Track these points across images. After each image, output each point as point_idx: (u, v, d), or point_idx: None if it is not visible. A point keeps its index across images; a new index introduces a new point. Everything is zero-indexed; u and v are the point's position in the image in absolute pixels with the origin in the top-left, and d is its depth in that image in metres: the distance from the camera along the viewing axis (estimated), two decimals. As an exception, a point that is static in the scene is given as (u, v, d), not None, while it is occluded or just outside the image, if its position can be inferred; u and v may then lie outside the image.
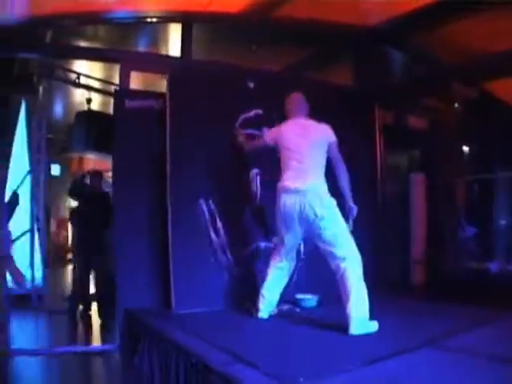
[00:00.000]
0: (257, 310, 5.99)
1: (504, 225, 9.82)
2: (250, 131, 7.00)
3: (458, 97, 9.40)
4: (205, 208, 6.65)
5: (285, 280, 6.08)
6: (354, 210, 5.77)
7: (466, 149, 10.81)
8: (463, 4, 6.96)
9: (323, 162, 5.77)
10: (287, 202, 5.61)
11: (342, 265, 5.35)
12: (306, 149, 5.71)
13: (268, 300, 5.99)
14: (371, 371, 3.97)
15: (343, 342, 4.82)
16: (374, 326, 5.17)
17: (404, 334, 5.15)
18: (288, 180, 5.68)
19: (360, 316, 5.15)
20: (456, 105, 9.61)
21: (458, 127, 9.63)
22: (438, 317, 5.93)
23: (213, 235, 6.68)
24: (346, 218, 5.68)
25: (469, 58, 7.82)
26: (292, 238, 5.81)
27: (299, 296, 6.69)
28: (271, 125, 6.69)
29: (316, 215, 5.46)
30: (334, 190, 5.69)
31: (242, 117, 7.01)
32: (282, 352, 4.54)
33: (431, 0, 7.03)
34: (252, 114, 7.05)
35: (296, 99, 6.12)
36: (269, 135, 6.19)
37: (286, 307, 6.45)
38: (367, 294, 5.32)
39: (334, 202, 5.58)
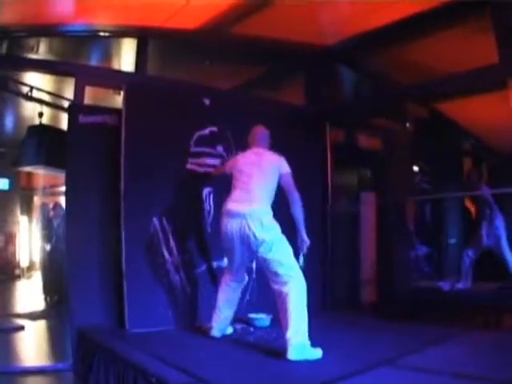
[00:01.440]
0: (210, 328, 6.00)
1: (454, 244, 9.93)
2: (203, 149, 7.02)
3: (410, 117, 9.50)
4: (158, 226, 6.61)
5: (236, 299, 6.09)
6: (306, 244, 5.74)
7: (416, 168, 10.93)
8: (418, 26, 7.06)
9: (271, 190, 5.78)
10: (228, 224, 5.63)
11: (284, 289, 5.26)
12: (255, 175, 5.77)
13: (221, 319, 6.00)
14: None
15: (299, 363, 4.79)
16: (317, 354, 5.04)
17: (359, 353, 5.15)
18: (231, 203, 5.73)
19: (299, 342, 5.04)
20: (408, 124, 9.70)
21: (410, 147, 9.72)
22: (391, 336, 5.98)
23: (166, 254, 6.64)
24: (297, 253, 5.64)
25: (422, 78, 7.91)
26: (237, 259, 5.80)
27: (252, 315, 6.68)
28: (226, 143, 6.72)
29: (256, 238, 5.44)
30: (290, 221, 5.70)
31: (197, 134, 6.99)
32: (239, 372, 4.51)
33: (386, 21, 7.11)
34: (207, 131, 7.04)
35: (258, 133, 6.22)
36: (228, 164, 6.33)
37: (239, 326, 6.46)
38: (308, 317, 5.22)
39: (276, 226, 5.56)
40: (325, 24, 7.47)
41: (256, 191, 5.68)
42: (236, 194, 5.78)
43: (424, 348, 5.30)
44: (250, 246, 5.55)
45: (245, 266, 6.01)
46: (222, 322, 6.01)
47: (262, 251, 5.45)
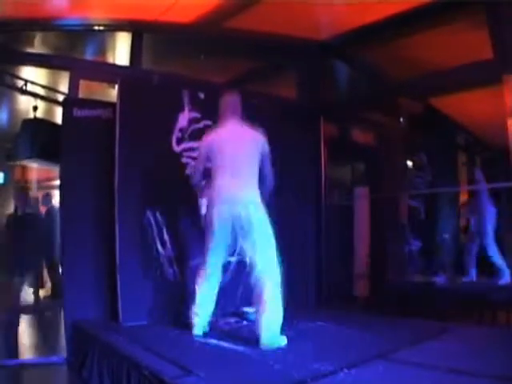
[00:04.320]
0: (192, 326, 5.81)
1: (447, 239, 9.94)
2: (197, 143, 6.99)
3: (404, 112, 9.52)
4: (152, 220, 6.62)
5: (216, 292, 5.90)
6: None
7: (410, 163, 10.95)
8: (413, 21, 7.07)
9: (257, 171, 5.71)
10: (223, 212, 5.52)
11: (263, 276, 5.36)
12: (241, 157, 5.67)
13: (202, 316, 5.83)
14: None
15: (292, 356, 4.79)
16: (283, 341, 5.25)
17: (352, 348, 5.16)
18: (223, 189, 5.58)
19: (273, 329, 5.23)
20: (401, 119, 9.72)
21: (403, 142, 9.75)
22: (384, 331, 5.99)
23: (160, 248, 6.65)
24: None
25: (416, 73, 7.92)
26: (222, 249, 5.71)
27: (246, 309, 6.67)
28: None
29: (252, 226, 5.46)
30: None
31: (191, 128, 7.00)
32: (232, 366, 4.53)
33: (380, 16, 7.13)
34: (201, 125, 7.04)
35: (230, 101, 5.99)
36: (203, 146, 6.00)
37: (233, 320, 6.47)
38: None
39: (266, 214, 5.59)
40: (319, 19, 7.48)
41: (247, 176, 5.64)
42: (227, 179, 5.60)
43: (417, 343, 5.32)
44: (241, 234, 5.53)
45: (225, 257, 5.86)
46: (203, 321, 5.85)
47: (253, 239, 5.46)
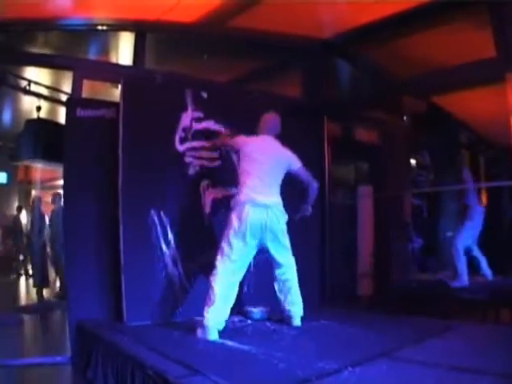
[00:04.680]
0: (206, 328, 5.57)
1: (451, 237, 9.89)
2: (200, 142, 7.03)
3: (407, 110, 9.51)
4: (156, 219, 6.61)
5: (235, 294, 5.88)
6: (309, 212, 6.43)
7: (413, 161, 10.93)
8: (416, 19, 7.07)
9: (280, 182, 6.15)
10: (254, 214, 5.77)
11: (287, 272, 6.17)
12: (270, 166, 6.04)
13: (219, 318, 5.65)
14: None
15: (295, 355, 4.78)
16: None
17: (356, 346, 5.15)
18: (254, 192, 5.85)
19: (301, 312, 6.21)
20: (405, 118, 9.71)
21: (407, 140, 9.73)
22: (387, 329, 5.98)
23: (164, 247, 6.64)
24: (294, 213, 6.29)
25: (419, 71, 7.91)
26: (248, 251, 5.88)
27: (249, 308, 6.69)
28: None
29: (278, 229, 5.91)
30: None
31: (195, 127, 6.99)
32: (237, 365, 4.52)
33: (383, 15, 7.12)
34: (204, 124, 7.04)
35: (269, 120, 6.44)
36: (237, 140, 6.34)
37: (237, 319, 6.46)
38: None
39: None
40: (321, 17, 7.48)
41: (273, 183, 6.06)
42: (256, 184, 5.92)
43: (420, 341, 5.30)
44: (267, 237, 5.92)
45: (250, 259, 6.12)
46: (221, 322, 5.68)
47: (278, 241, 5.99)
